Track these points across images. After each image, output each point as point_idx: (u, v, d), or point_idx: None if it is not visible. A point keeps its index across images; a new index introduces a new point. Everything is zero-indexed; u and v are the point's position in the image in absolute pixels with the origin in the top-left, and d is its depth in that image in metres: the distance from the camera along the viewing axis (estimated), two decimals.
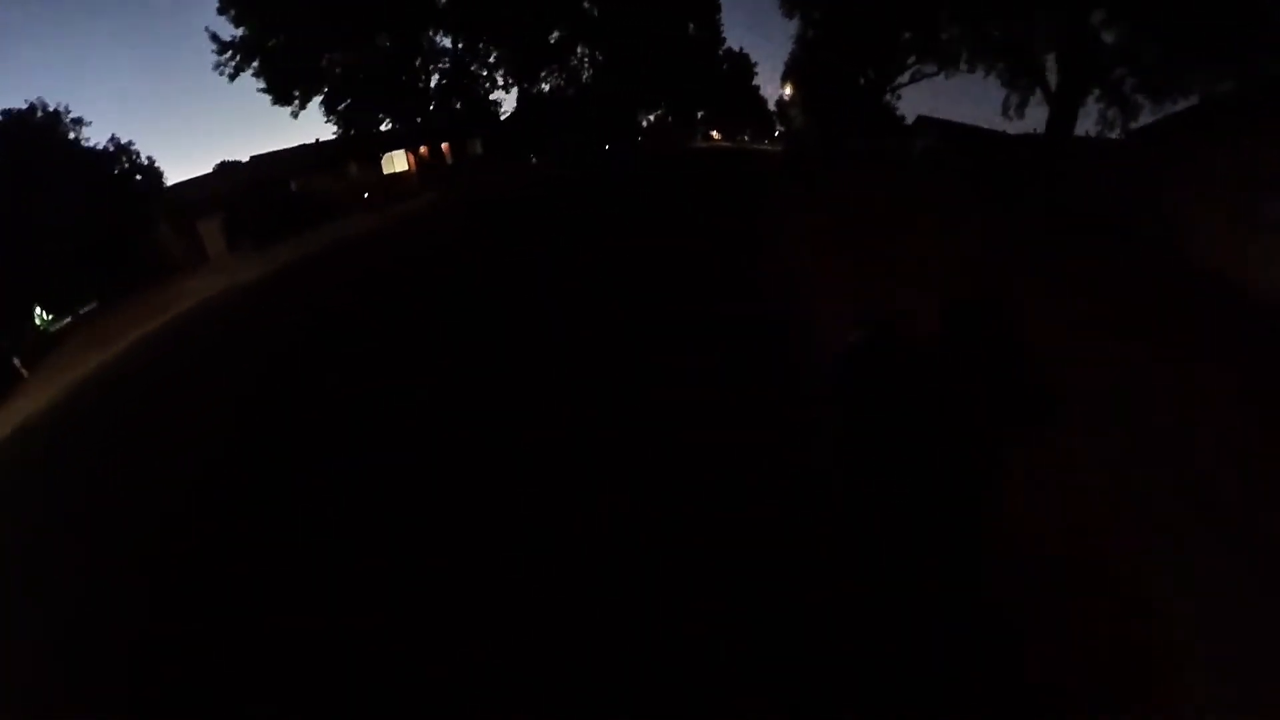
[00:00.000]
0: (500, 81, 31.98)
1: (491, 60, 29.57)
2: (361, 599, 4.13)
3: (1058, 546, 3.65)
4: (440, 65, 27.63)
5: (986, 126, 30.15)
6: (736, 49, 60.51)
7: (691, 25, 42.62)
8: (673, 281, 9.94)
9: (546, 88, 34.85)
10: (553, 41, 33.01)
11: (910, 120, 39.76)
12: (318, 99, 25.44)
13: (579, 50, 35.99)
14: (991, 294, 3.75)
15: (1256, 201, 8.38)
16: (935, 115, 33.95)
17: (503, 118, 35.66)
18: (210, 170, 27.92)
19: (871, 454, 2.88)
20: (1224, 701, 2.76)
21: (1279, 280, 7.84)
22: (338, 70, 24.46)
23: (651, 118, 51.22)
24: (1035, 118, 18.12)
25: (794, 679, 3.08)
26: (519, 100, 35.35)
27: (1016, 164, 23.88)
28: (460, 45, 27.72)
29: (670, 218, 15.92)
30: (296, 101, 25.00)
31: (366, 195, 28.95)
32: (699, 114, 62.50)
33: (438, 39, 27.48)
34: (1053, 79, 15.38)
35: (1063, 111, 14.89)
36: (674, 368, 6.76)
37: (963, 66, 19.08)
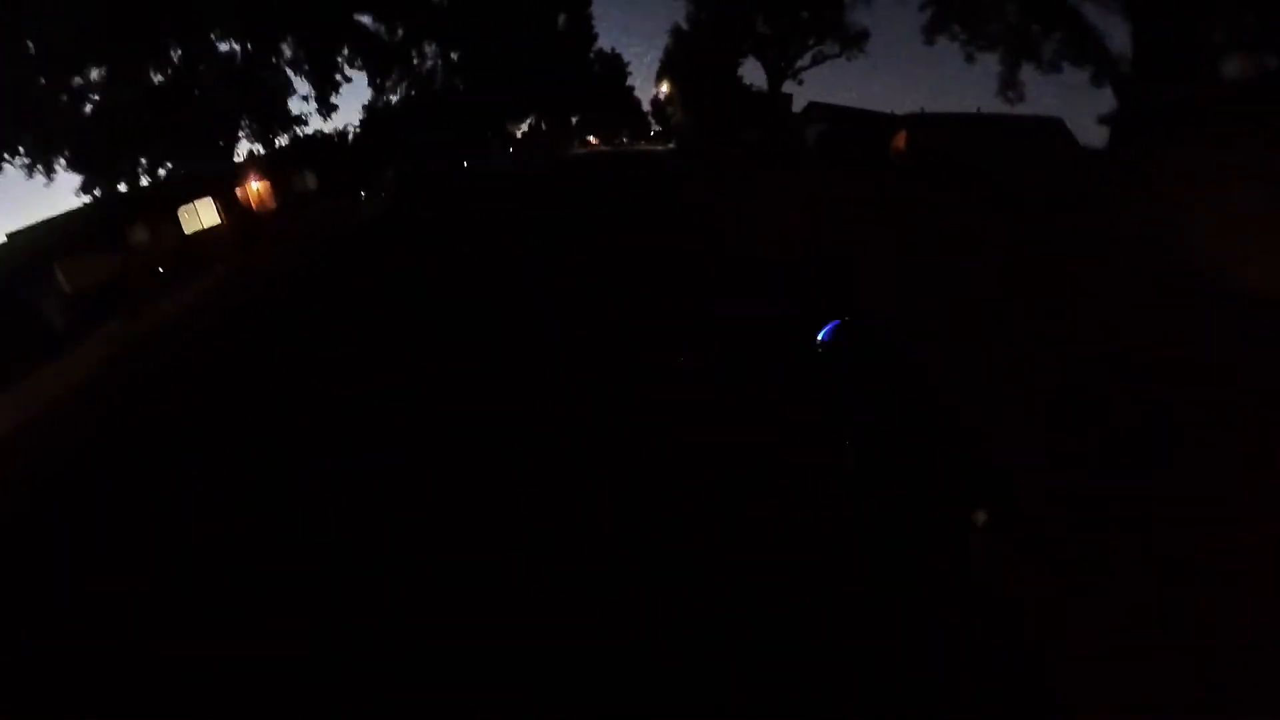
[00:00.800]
0: (304, 91, 23.73)
1: (284, 62, 21.43)
2: (360, 599, 4.05)
3: None
4: (225, 78, 19.69)
5: (875, 109, 29.86)
6: (608, 50, 56.34)
7: (563, 17, 37.04)
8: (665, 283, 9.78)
9: (394, 99, 28.01)
10: (396, 39, 25.98)
11: (798, 108, 38.40)
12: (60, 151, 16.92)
13: (427, 49, 29.13)
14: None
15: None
16: (825, 101, 32.65)
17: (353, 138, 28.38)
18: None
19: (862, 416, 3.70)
20: None
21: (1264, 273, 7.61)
22: (67, 100, 16.42)
23: (526, 126, 45.68)
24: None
25: (794, 679, 3.05)
26: (363, 117, 28.47)
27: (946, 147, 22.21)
28: (249, 49, 19.83)
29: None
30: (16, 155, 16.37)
31: (160, 269, 20.95)
32: (574, 119, 58.10)
33: (220, 43, 19.53)
34: (1051, 51, 12.80)
35: (1140, 93, 11.71)
36: (670, 368, 6.69)
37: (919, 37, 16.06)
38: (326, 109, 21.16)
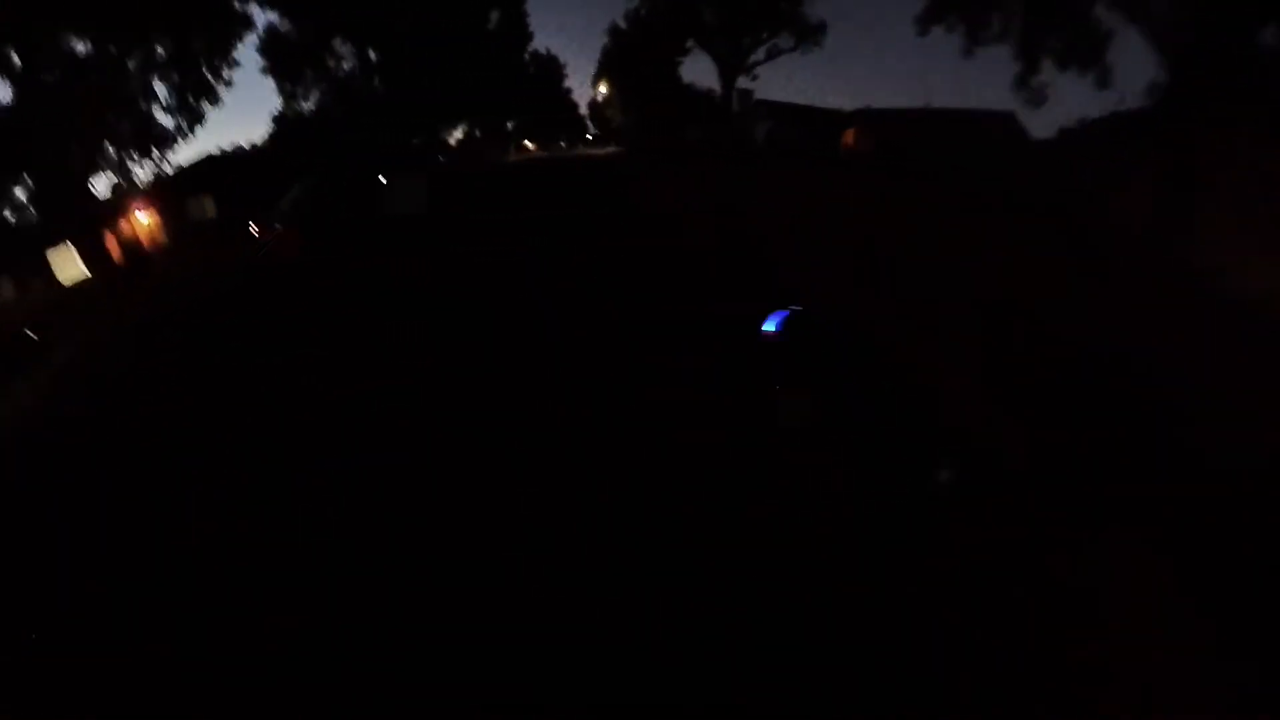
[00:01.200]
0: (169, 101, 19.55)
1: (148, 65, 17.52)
2: (359, 599, 3.97)
3: None
4: (78, 89, 15.92)
5: (823, 106, 30.16)
6: (543, 51, 53.89)
7: (495, 15, 34.07)
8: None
9: (309, 107, 24.58)
10: (307, 37, 22.61)
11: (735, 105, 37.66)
12: None
13: (342, 49, 25.62)
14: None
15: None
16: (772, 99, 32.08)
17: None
18: None
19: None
20: None
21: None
22: None
23: (459, 134, 42.76)
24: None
25: (794, 679, 3.04)
26: (272, 130, 24.91)
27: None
28: (108, 50, 16.03)
29: None
30: None
31: (30, 332, 17.24)
32: (509, 124, 55.47)
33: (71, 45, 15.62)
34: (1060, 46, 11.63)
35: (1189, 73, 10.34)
36: (669, 368, 6.71)
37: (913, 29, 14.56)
38: (191, 119, 17.60)
